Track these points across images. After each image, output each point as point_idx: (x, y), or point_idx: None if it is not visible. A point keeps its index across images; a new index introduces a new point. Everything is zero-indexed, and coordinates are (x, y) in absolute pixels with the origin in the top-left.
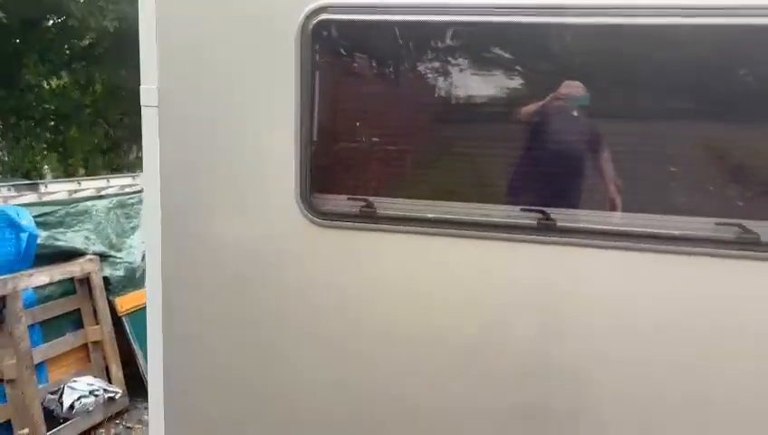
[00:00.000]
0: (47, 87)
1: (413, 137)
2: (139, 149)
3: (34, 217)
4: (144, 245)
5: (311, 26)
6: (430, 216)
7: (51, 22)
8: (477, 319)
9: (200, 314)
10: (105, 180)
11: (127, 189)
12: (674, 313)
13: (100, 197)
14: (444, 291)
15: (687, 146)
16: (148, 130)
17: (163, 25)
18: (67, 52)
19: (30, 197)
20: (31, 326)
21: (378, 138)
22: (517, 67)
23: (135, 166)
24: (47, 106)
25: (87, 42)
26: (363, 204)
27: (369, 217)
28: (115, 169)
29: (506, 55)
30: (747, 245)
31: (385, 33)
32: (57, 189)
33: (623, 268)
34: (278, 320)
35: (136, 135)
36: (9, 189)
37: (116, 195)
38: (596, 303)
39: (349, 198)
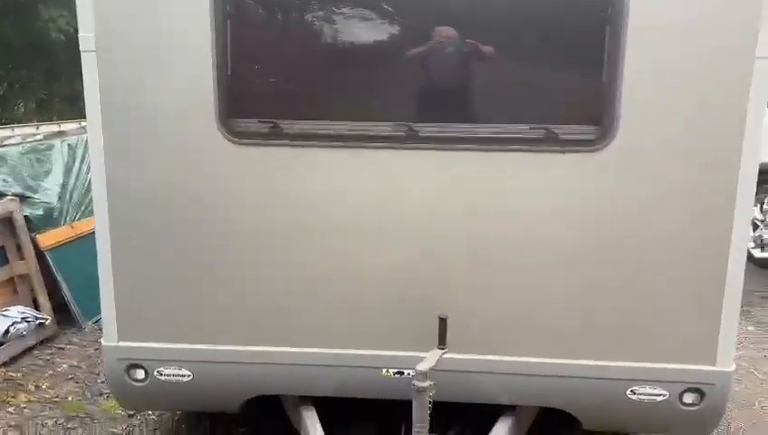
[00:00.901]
0: None
1: (310, 71)
2: (28, 102)
3: None
4: (57, 187)
5: None
6: (324, 132)
7: None
8: (361, 209)
9: (143, 227)
10: (10, 129)
11: (31, 139)
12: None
13: (8, 145)
14: (336, 190)
15: None
16: (88, 72)
17: None
18: None
19: None
20: None
21: (282, 70)
22: (391, 15)
23: (27, 118)
24: None
25: None
26: (271, 124)
27: (275, 136)
28: (5, 122)
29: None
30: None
31: None
32: None
33: None
34: (210, 224)
35: (23, 89)
36: None
37: (27, 142)
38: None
39: (259, 121)
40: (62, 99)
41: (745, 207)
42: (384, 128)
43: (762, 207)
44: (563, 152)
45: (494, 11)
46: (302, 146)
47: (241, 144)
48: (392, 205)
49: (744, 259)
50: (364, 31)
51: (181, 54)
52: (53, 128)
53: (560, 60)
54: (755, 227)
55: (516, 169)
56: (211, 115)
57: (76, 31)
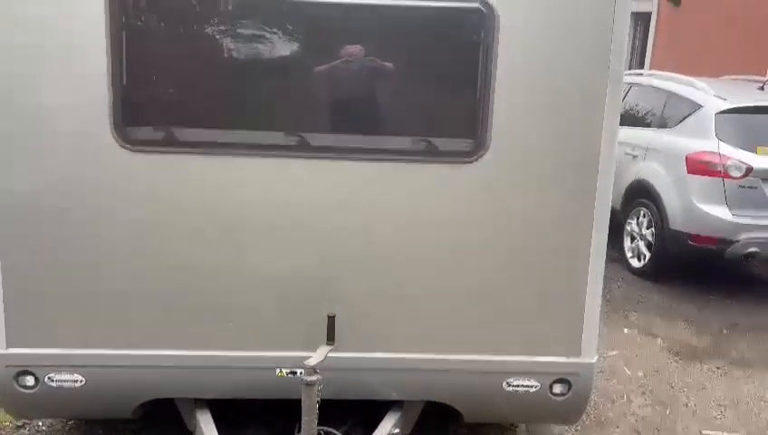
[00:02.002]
0: None
1: (204, 79)
2: None
3: None
4: None
5: None
6: (217, 141)
7: None
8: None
9: (32, 230)
10: None
11: None
12: None
13: None
14: (229, 196)
15: None
16: None
17: None
18: None
19: None
20: None
21: (177, 79)
22: (280, 26)
23: None
24: None
25: None
26: (164, 132)
27: (169, 143)
28: None
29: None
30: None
31: None
32: None
33: None
34: (100, 229)
35: None
36: None
37: None
38: None
39: (154, 129)
40: None
41: (602, 214)
42: (276, 136)
43: (638, 220)
44: (441, 162)
45: (379, 31)
46: (195, 153)
47: (135, 151)
48: (283, 210)
49: (603, 261)
50: (257, 41)
51: (76, 58)
52: None
53: (439, 78)
54: (632, 238)
55: (400, 178)
56: (105, 122)
57: None
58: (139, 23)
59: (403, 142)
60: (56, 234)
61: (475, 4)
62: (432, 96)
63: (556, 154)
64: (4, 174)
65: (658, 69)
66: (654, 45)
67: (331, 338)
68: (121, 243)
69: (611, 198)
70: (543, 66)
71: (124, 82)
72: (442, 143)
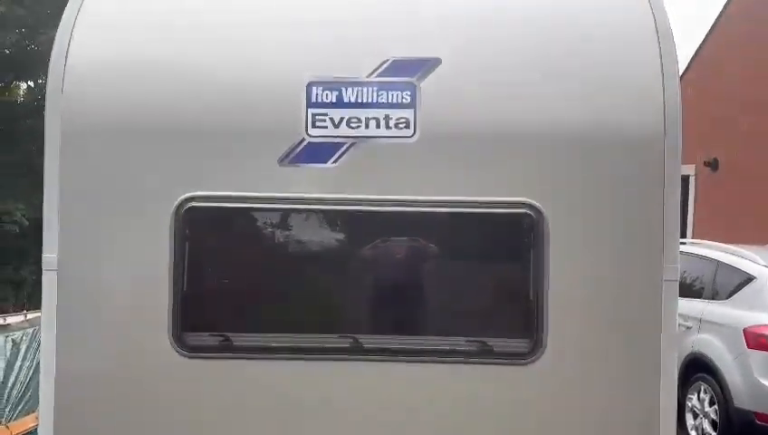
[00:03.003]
0: None
1: (258, 290)
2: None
3: None
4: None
5: (182, 209)
6: (273, 345)
7: None
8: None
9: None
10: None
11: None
12: None
13: None
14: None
15: None
16: (47, 289)
17: (66, 200)
18: None
19: None
20: None
21: (233, 290)
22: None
23: None
24: None
25: None
26: (221, 338)
27: (226, 349)
28: None
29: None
30: None
31: (234, 214)
32: None
33: None
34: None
35: None
36: None
37: None
38: None
39: (210, 334)
40: (6, 282)
41: (669, 419)
42: (329, 339)
43: (698, 396)
44: (496, 364)
45: (431, 235)
46: (251, 358)
47: (191, 357)
48: (339, 414)
49: None
50: (308, 250)
51: (140, 271)
52: None
53: (492, 279)
54: (695, 415)
55: (453, 380)
56: (164, 329)
57: (31, 222)
58: (200, 237)
59: (457, 343)
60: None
61: (523, 210)
62: (486, 297)
63: (616, 352)
64: (67, 367)
65: (700, 232)
66: (695, 210)
67: None
68: None
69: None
70: (597, 263)
71: (184, 289)
72: (497, 344)
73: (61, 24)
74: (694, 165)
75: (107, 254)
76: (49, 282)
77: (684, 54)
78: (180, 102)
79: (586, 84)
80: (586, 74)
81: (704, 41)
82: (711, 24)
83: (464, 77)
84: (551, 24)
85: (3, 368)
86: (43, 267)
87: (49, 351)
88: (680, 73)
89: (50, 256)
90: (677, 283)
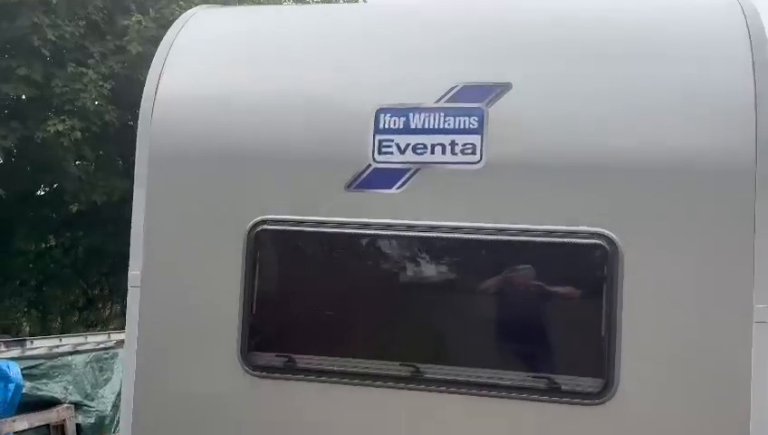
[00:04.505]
0: (33, 250)
1: (322, 312)
2: (114, 304)
3: (22, 369)
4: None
5: (254, 231)
6: (334, 368)
7: (42, 192)
8: None
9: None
10: (83, 337)
11: (102, 345)
12: None
13: (78, 352)
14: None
15: None
16: (131, 304)
17: (149, 224)
18: (54, 217)
19: (15, 351)
20: None
21: (299, 311)
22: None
23: (110, 321)
24: (31, 266)
25: (74, 209)
26: (286, 359)
27: (290, 370)
28: (90, 324)
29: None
30: None
31: (302, 237)
32: (41, 345)
33: None
34: None
35: (113, 293)
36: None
37: (93, 350)
38: None
39: (276, 355)
40: None
41: None
42: (389, 366)
43: None
44: (563, 403)
45: (499, 265)
46: (314, 381)
47: (258, 376)
48: None
49: None
50: (373, 276)
51: (212, 290)
52: (123, 336)
53: (563, 313)
54: None
55: (517, 417)
56: (233, 348)
57: None
58: (269, 259)
59: (521, 378)
60: None
61: (597, 241)
62: (554, 331)
63: (699, 399)
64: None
65: None
66: None
67: None
68: None
69: None
70: (677, 299)
71: (253, 309)
72: (565, 382)
73: (155, 55)
74: None
75: (184, 272)
76: (133, 298)
77: None
78: (256, 132)
79: (663, 112)
80: (664, 103)
81: None
82: None
83: (534, 103)
84: (627, 52)
85: (120, 380)
86: (129, 284)
87: (130, 365)
88: None
89: (134, 272)
90: None
